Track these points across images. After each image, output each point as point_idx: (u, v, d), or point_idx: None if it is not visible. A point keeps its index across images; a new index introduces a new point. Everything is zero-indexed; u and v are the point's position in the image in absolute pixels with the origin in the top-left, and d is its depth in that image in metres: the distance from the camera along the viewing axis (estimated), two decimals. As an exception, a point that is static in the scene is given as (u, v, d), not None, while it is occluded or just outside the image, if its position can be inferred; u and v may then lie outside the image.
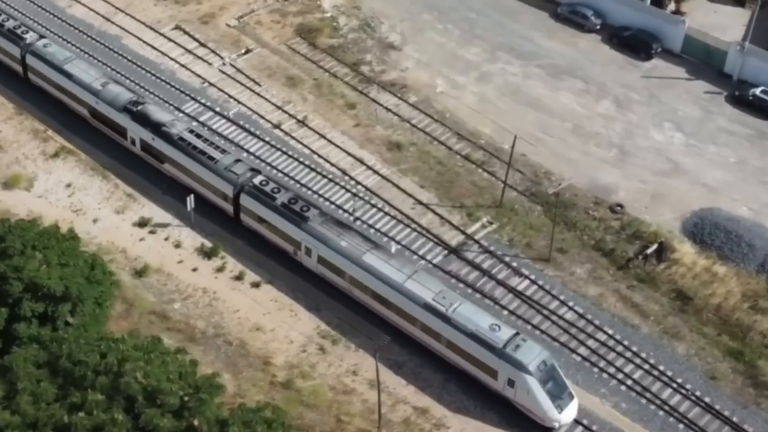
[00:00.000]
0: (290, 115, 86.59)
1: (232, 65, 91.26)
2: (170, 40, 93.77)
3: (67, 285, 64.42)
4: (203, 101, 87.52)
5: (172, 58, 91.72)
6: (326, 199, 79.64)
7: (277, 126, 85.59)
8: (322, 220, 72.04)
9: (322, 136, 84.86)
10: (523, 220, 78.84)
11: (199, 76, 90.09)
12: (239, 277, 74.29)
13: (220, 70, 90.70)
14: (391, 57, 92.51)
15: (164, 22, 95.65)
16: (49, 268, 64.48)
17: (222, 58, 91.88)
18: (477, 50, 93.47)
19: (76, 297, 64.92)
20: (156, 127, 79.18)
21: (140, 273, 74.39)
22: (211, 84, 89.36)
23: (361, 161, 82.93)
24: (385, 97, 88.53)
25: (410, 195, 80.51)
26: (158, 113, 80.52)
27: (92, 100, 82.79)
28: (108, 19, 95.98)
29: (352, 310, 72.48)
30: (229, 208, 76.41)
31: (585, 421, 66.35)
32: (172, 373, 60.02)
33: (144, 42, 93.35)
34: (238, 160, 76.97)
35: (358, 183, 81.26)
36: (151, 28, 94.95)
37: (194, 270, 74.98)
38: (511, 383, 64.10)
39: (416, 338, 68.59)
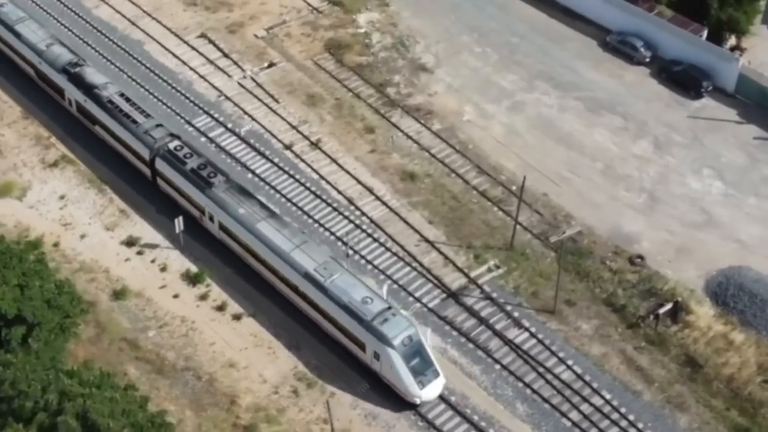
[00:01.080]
0: (304, 136, 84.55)
1: (252, 79, 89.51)
2: (193, 48, 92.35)
3: (22, 308, 63.12)
4: (216, 115, 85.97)
5: (191, 68, 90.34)
6: (327, 229, 77.15)
7: (288, 147, 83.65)
8: (226, 187, 74.12)
9: (334, 161, 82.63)
10: (533, 266, 75.50)
11: (216, 88, 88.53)
12: (221, 308, 72.47)
13: (240, 84, 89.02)
14: (420, 79, 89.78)
15: (190, 29, 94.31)
16: (4, 289, 63.24)
17: (243, 70, 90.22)
18: (513, 77, 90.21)
19: (32, 321, 63.52)
20: (89, 89, 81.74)
21: (119, 295, 73.14)
22: (227, 98, 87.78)
23: (371, 191, 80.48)
24: (408, 123, 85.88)
25: (416, 231, 77.83)
26: (93, 75, 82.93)
27: (36, 60, 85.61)
28: (133, 23, 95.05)
29: (333, 352, 69.94)
30: (147, 171, 78.65)
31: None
32: (116, 411, 58.43)
33: (166, 49, 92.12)
34: (159, 125, 79.02)
35: (363, 214, 78.67)
36: (176, 35, 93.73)
37: (176, 296, 73.38)
38: (377, 356, 65.88)
39: (300, 309, 70.43)
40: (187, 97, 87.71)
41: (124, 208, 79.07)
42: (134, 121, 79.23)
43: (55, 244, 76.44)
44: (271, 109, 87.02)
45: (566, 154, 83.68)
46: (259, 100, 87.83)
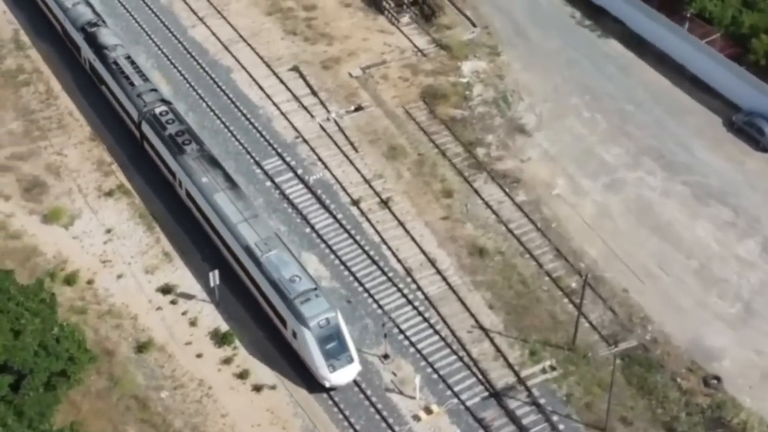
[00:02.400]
0: (375, 192, 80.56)
1: (336, 122, 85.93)
2: (281, 81, 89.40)
3: (10, 356, 60.88)
4: (288, 159, 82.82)
5: (275, 103, 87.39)
6: (375, 301, 73.06)
7: (355, 203, 79.76)
8: (197, 156, 76.79)
9: (401, 224, 78.36)
10: (593, 373, 69.71)
11: (295, 128, 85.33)
12: (243, 375, 69.25)
13: (321, 126, 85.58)
14: (515, 142, 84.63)
15: (284, 60, 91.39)
16: (-6, 334, 61.23)
17: (328, 111, 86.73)
18: (619, 151, 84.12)
19: (21, 370, 61.25)
20: (99, 49, 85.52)
21: (141, 348, 70.70)
22: (304, 140, 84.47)
23: (433, 263, 75.90)
24: (490, 190, 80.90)
25: (473, 315, 72.89)
26: (106, 37, 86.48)
27: (61, 17, 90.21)
28: (226, 47, 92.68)
29: (350, 443, 65.87)
30: (137, 134, 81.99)
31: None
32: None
33: (253, 79, 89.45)
34: (153, 90, 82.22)
35: (418, 288, 74.16)
36: (267, 65, 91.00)
37: (199, 356, 70.47)
38: (294, 335, 67.87)
39: (244, 282, 72.31)
40: (262, 135, 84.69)
41: (169, 250, 76.48)
42: (131, 84, 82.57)
43: (90, 282, 74.40)
44: (347, 157, 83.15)
45: (659, 246, 77.21)
46: (337, 146, 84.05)
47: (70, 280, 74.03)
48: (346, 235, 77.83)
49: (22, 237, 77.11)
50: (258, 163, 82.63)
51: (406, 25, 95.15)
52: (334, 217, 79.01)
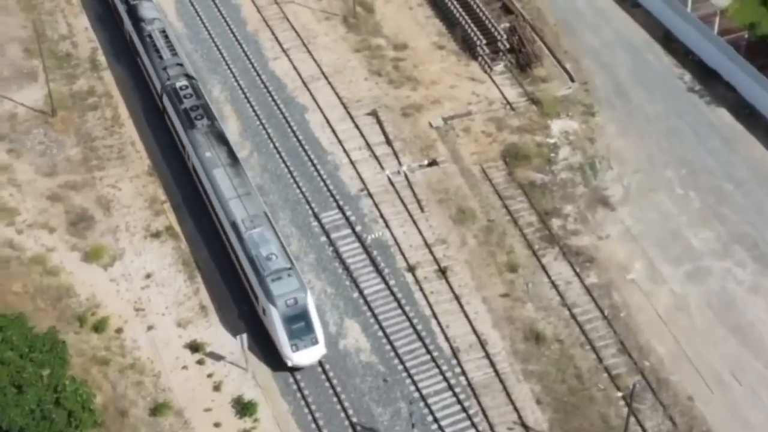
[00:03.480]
0: (434, 259, 76.15)
1: (406, 176, 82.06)
2: (356, 126, 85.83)
3: (2, 415, 58.65)
4: (348, 213, 79.42)
5: (345, 150, 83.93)
6: (414, 383, 68.91)
7: (411, 269, 75.75)
8: (206, 131, 78.83)
9: (456, 298, 74.15)
10: (639, 492, 64.10)
11: (361, 180, 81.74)
12: (258, 452, 65.54)
13: (389, 179, 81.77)
14: (596, 216, 79.43)
15: (363, 103, 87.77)
16: (-11, 392, 59.00)
17: (400, 164, 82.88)
18: (709, 235, 78.14)
19: (11, 432, 59.12)
20: (137, 22, 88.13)
21: (157, 410, 67.81)
22: (369, 194, 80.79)
23: (483, 345, 71.34)
24: (559, 268, 75.93)
25: (517, 410, 68.18)
26: (147, 10, 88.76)
27: None
28: (305, 84, 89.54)
29: None
30: (160, 106, 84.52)
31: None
32: None
33: (327, 122, 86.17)
34: (179, 64, 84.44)
35: (462, 372, 69.73)
36: (345, 107, 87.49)
37: (216, 425, 67.67)
38: (264, 312, 69.69)
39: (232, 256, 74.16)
40: (326, 185, 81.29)
41: (206, 303, 73.71)
42: (160, 57, 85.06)
43: (119, 330, 72.14)
44: (411, 217, 79.20)
45: (736, 350, 71.28)
46: (403, 203, 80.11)
47: (98, 326, 71.85)
48: (395, 305, 73.90)
49: (59, 274, 75.09)
50: (316, 215, 79.13)
51: (500, 74, 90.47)
52: (386, 283, 75.06)
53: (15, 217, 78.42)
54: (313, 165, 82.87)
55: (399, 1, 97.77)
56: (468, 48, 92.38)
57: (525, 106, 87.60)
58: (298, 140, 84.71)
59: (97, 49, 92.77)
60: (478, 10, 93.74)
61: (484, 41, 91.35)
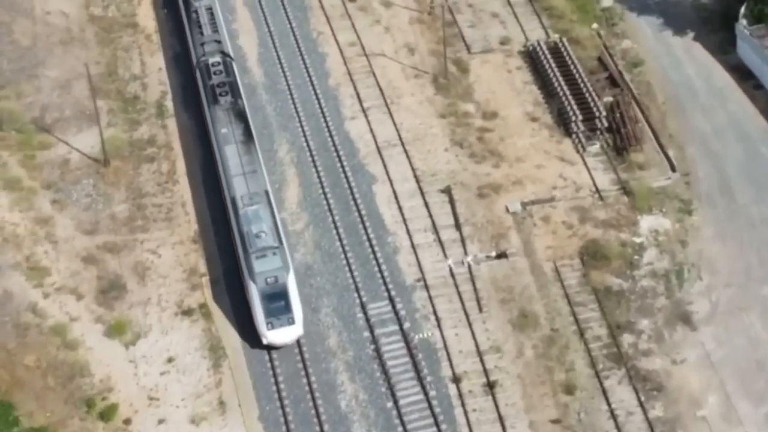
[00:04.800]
0: (484, 370, 70.28)
1: (469, 268, 76.16)
2: (426, 204, 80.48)
3: None
4: (399, 306, 74.17)
5: (408, 231, 78.97)
6: None
7: (455, 380, 70.13)
8: (227, 108, 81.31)
9: (500, 420, 68.31)
10: None
11: (420, 268, 76.49)
12: None
13: (450, 270, 76.32)
14: (673, 335, 72.49)
15: (438, 177, 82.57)
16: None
17: (465, 253, 77.09)
18: (801, 371, 70.22)
19: None
20: None
21: None
22: (425, 286, 75.43)
23: (522, 483, 65.01)
24: (622, 394, 69.41)
25: None
26: None
27: None
28: (379, 150, 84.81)
29: None
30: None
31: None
32: None
33: (395, 196, 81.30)
34: (217, 41, 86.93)
35: None
36: (417, 181, 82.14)
37: None
38: (246, 288, 71.57)
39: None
40: (381, 270, 76.31)
41: (226, 399, 69.48)
42: (201, 33, 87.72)
43: (126, 422, 68.58)
44: (467, 317, 73.59)
45: None
46: (461, 300, 74.51)
47: (106, 414, 68.48)
48: (430, 420, 68.33)
49: (77, 349, 71.90)
50: (363, 306, 74.20)
51: (593, 155, 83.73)
52: (426, 393, 69.45)
53: (45, 278, 75.40)
54: (371, 246, 77.70)
55: (498, 62, 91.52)
56: (563, 123, 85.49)
57: (615, 196, 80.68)
58: (360, 215, 79.61)
59: (166, 94, 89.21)
60: (579, 80, 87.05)
61: (581, 117, 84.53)
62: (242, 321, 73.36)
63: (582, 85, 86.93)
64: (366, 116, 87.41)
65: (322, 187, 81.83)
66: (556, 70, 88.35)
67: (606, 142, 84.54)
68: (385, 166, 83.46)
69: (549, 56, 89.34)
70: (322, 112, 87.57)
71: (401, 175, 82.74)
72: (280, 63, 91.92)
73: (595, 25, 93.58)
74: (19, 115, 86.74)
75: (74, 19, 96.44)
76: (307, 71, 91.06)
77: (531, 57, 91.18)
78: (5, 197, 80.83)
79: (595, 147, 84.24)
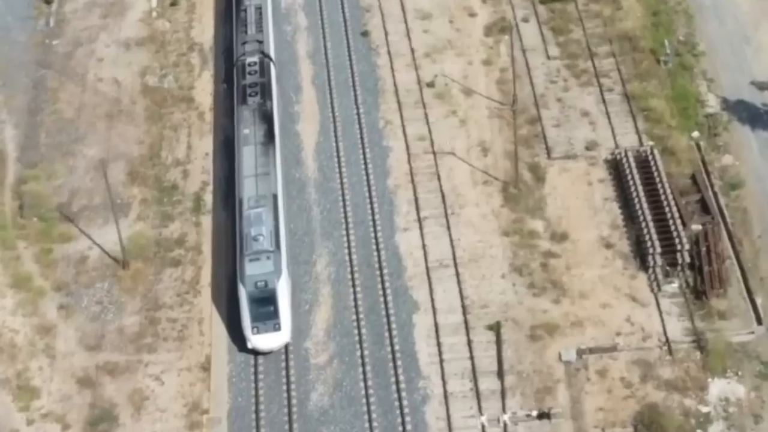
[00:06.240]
0: None
1: (504, 428, 69.37)
2: (468, 343, 74.44)
3: None
4: (417, 470, 66.64)
5: (443, 375, 72.62)
6: None
7: None
8: (254, 108, 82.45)
9: None
10: None
11: (449, 425, 70.05)
12: None
13: (483, 430, 68.81)
14: None
15: (488, 311, 76.46)
16: None
17: (503, 410, 70.76)
18: None
19: None
20: None
21: None
22: (451, 445, 67.84)
23: None
24: None
25: None
26: None
27: None
28: (428, 272, 78.72)
29: None
30: None
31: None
32: None
33: (436, 330, 75.32)
34: (259, 41, 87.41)
35: None
36: (464, 313, 75.40)
37: None
38: (238, 290, 72.45)
39: None
40: (404, 424, 69.85)
41: None
42: (245, 32, 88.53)
43: None
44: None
45: None
46: (485, 468, 66.81)
47: None
48: None
49: (45, 494, 66.47)
50: (385, 469, 67.02)
51: (669, 296, 75.53)
52: None
53: (33, 400, 71.37)
54: (398, 391, 71.27)
55: (579, 171, 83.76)
56: (640, 253, 77.23)
57: (686, 351, 72.47)
58: (393, 351, 73.37)
59: (207, 185, 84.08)
60: (665, 202, 78.78)
61: (659, 249, 75.95)
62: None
63: (667, 208, 78.60)
64: (421, 228, 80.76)
65: (357, 313, 75.53)
66: (640, 187, 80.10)
67: (686, 281, 75.85)
68: (431, 291, 76.74)
69: (635, 170, 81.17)
70: (373, 220, 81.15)
71: (447, 305, 75.78)
72: (338, 156, 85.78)
73: (695, 134, 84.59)
74: (46, 199, 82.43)
75: (126, 88, 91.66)
76: (366, 168, 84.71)
77: (617, 168, 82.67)
78: (11, 297, 76.93)
79: (672, 286, 75.89)
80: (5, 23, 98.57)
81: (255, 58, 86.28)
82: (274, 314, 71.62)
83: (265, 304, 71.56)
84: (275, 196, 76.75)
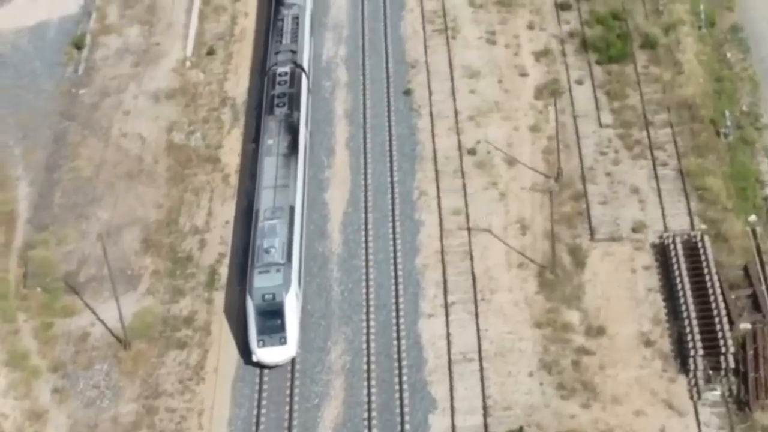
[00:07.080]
0: None
1: None
2: None
3: None
4: None
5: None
6: None
7: None
8: (280, 119, 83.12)
9: None
10: None
11: None
12: None
13: None
14: None
15: (511, 413, 71.68)
16: None
17: None
18: None
19: None
20: (278, 4, 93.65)
21: None
22: None
23: None
24: None
25: None
26: None
27: None
28: (450, 366, 74.50)
29: None
30: None
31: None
32: None
33: (451, 434, 69.14)
34: (293, 51, 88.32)
35: None
36: (485, 415, 71.39)
37: None
38: (245, 302, 73.03)
39: None
40: None
41: None
42: (279, 41, 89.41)
43: None
44: None
45: None
46: None
47: None
48: None
49: None
50: None
51: (710, 405, 70.19)
52: None
53: (8, 506, 67.09)
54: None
55: (623, 255, 78.77)
56: (681, 353, 72.01)
57: None
58: (412, 458, 68.24)
59: (224, 257, 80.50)
60: (711, 296, 73.41)
61: (701, 351, 70.66)
62: None
63: (714, 303, 73.31)
64: (447, 315, 76.40)
65: (369, 410, 71.46)
66: (686, 278, 74.86)
67: (730, 389, 70.26)
68: (452, 388, 72.40)
69: (681, 258, 75.92)
70: (397, 304, 77.05)
71: (468, 405, 71.33)
72: (366, 229, 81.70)
73: (752, 218, 79.21)
74: (52, 267, 79.64)
75: (150, 145, 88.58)
76: (395, 244, 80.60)
77: (664, 254, 77.41)
78: (4, 377, 74.27)
79: (714, 393, 70.57)
80: (33, 69, 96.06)
81: (286, 68, 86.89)
82: (281, 328, 71.95)
83: (272, 317, 71.93)
84: (292, 208, 77.12)
